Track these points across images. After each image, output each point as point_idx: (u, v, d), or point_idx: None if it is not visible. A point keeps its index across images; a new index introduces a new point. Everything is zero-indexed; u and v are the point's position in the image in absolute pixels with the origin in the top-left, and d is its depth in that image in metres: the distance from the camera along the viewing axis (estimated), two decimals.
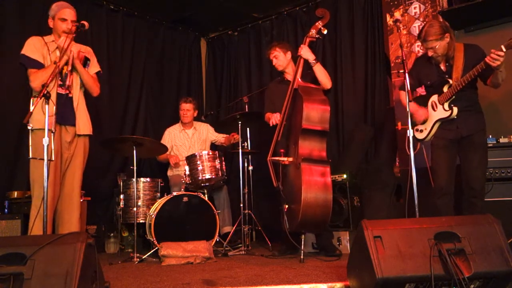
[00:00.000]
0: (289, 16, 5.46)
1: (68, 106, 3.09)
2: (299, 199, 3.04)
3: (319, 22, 3.48)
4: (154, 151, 4.32)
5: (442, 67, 3.06)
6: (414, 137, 2.87)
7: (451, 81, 2.96)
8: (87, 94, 3.26)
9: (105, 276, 2.15)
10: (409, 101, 2.68)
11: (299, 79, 3.42)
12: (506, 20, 3.84)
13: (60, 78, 3.04)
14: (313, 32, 3.48)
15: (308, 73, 3.53)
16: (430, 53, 3.00)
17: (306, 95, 3.25)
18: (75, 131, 3.13)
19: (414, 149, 2.64)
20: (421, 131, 3.12)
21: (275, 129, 3.52)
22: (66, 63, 2.96)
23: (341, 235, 3.75)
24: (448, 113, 2.97)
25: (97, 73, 3.31)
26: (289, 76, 3.73)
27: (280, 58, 3.71)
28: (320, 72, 3.51)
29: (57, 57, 3.03)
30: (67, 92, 3.08)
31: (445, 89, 2.97)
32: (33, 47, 3.05)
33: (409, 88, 2.66)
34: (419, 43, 4.16)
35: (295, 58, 3.65)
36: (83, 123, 3.17)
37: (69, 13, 3.09)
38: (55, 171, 2.96)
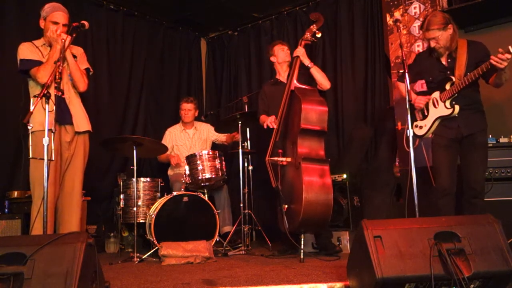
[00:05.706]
0: (289, 16, 5.46)
1: (63, 106, 3.08)
2: (300, 199, 3.04)
3: (314, 25, 3.53)
4: (154, 151, 4.33)
5: (444, 62, 3.02)
6: (413, 133, 2.85)
7: (453, 79, 2.91)
8: (81, 93, 3.24)
9: (105, 276, 2.15)
10: (409, 101, 2.67)
11: (295, 81, 3.43)
12: (506, 20, 3.85)
13: (55, 81, 3.04)
14: (308, 35, 3.53)
15: (302, 74, 3.53)
16: (432, 44, 2.96)
17: (304, 96, 3.27)
18: (74, 130, 3.12)
19: (413, 145, 2.63)
20: (421, 127, 3.08)
21: (272, 129, 3.53)
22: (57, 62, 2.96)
23: (341, 235, 3.75)
24: (449, 111, 2.93)
25: (86, 70, 3.26)
26: (282, 78, 3.76)
27: (288, 54, 3.76)
28: (318, 74, 3.54)
29: (49, 50, 3.01)
30: (61, 93, 3.08)
31: (447, 86, 2.92)
32: (27, 51, 3.05)
33: (409, 88, 2.65)
34: (419, 43, 4.17)
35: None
36: (80, 120, 3.16)
37: (61, 16, 3.07)
38: (55, 171, 2.96)
